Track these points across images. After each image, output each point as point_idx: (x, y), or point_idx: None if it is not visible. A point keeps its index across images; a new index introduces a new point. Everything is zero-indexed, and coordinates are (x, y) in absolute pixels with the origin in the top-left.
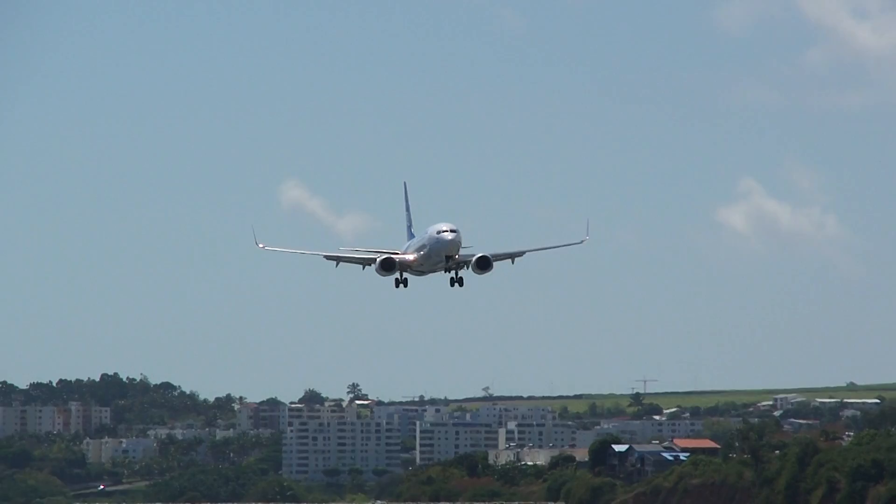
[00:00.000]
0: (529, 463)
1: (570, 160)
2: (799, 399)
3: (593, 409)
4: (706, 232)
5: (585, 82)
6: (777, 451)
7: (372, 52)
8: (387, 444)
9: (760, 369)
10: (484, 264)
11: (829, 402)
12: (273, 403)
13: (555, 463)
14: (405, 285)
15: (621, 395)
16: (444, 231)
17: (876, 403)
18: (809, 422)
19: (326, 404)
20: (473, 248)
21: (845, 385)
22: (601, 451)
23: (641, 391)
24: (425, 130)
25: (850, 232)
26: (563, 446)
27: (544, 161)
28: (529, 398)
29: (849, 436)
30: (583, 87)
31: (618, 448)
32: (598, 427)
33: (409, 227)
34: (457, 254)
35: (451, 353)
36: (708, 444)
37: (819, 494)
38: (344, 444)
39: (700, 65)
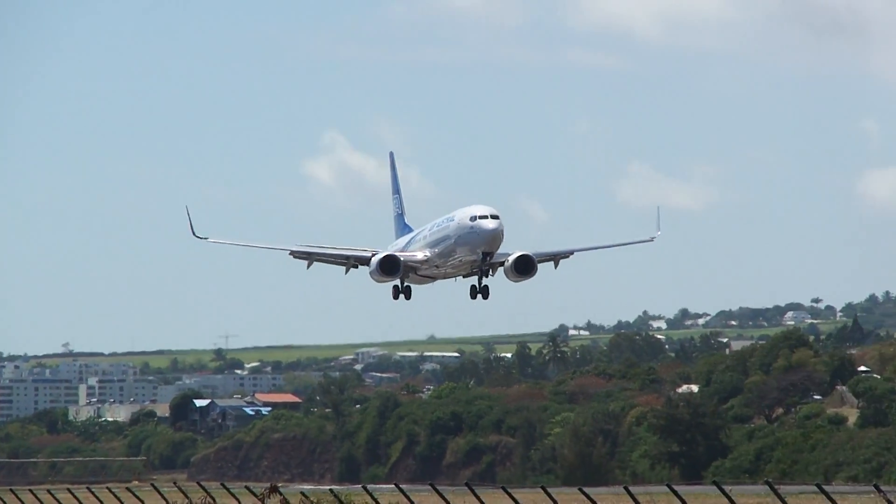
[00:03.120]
0: (110, 419)
1: (180, 119)
2: (380, 353)
3: (175, 365)
4: (292, 186)
5: (168, 39)
6: (358, 405)
7: None
8: None
9: (342, 324)
10: (524, 267)
11: (410, 356)
12: None
13: (136, 419)
14: (407, 296)
15: (203, 350)
16: (482, 217)
17: (455, 357)
18: (391, 375)
19: None
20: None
21: (426, 338)
22: (182, 405)
23: (224, 346)
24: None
25: (434, 186)
26: (144, 402)
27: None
28: (111, 354)
29: (429, 389)
30: (171, 44)
31: (199, 403)
32: (180, 382)
33: (400, 214)
34: (496, 250)
35: (29, 308)
36: (290, 398)
37: (399, 447)
38: None
39: (281, 17)
